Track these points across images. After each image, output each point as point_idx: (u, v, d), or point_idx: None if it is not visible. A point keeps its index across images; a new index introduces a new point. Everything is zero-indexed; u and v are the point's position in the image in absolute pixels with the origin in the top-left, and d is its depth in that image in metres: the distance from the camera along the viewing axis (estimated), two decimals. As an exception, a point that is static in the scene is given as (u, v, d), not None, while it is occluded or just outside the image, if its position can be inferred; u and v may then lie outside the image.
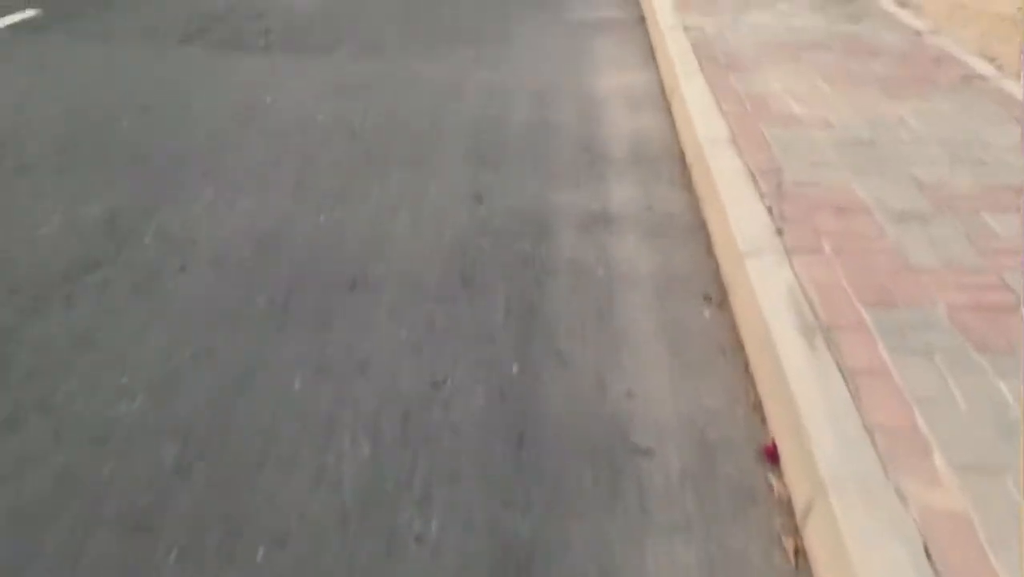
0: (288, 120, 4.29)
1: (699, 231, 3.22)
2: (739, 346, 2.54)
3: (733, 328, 2.64)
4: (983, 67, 4.62)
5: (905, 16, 5.77)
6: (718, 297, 2.80)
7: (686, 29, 5.32)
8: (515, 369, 2.43)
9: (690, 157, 3.77)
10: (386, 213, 3.33)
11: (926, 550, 1.65)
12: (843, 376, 2.17)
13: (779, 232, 2.86)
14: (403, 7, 6.55)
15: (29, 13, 5.99)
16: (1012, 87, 4.25)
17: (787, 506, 1.96)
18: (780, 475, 2.05)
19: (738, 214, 3.01)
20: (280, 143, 4.00)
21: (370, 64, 5.21)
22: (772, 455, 2.12)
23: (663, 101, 4.64)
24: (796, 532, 1.88)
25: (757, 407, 2.29)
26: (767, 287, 2.56)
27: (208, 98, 4.57)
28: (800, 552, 1.84)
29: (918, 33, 5.28)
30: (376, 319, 2.65)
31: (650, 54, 5.47)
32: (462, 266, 2.96)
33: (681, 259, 3.03)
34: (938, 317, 2.41)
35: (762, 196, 3.11)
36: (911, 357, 2.23)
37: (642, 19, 6.23)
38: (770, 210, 3.01)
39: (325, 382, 2.35)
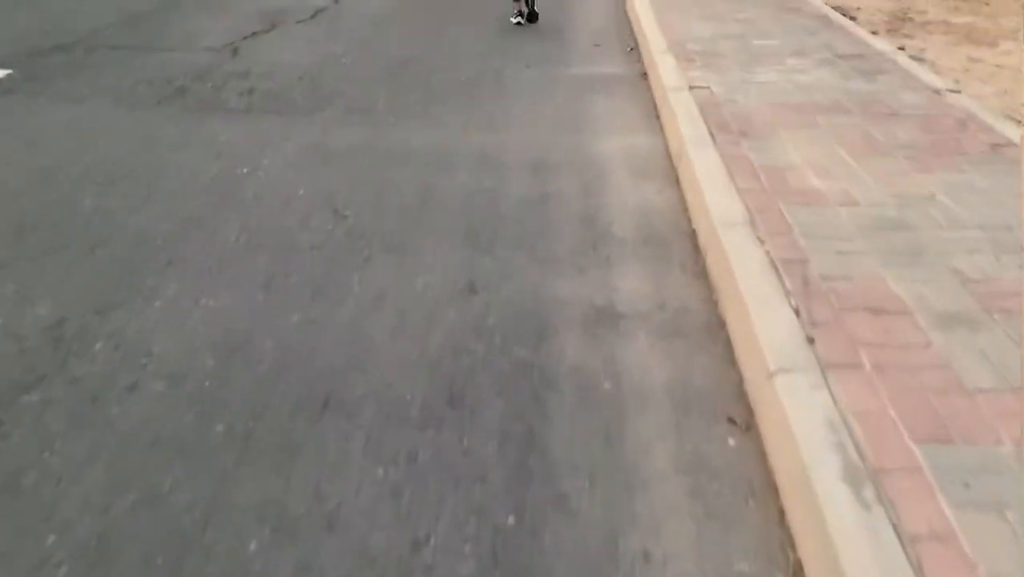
0: (266, 195, 3.97)
1: (718, 332, 2.87)
2: (771, 486, 2.19)
3: (762, 460, 2.29)
4: (1011, 131, 4.31)
5: (921, 71, 5.49)
6: (744, 419, 2.45)
7: (692, 88, 5.03)
8: (510, 520, 2.08)
9: (703, 239, 3.44)
10: (367, 311, 3.00)
11: None
12: (901, 542, 1.81)
13: (810, 341, 2.53)
14: (395, 65, 6.27)
15: (-1, 74, 5.72)
16: (1047, 155, 3.94)
17: None
18: (832, 675, 1.70)
19: (762, 316, 2.67)
20: (255, 223, 3.67)
21: (358, 128, 4.90)
22: (820, 643, 1.76)
23: (669, 168, 4.32)
24: None
25: (798, 573, 1.94)
26: (801, 415, 2.22)
27: (181, 168, 4.26)
28: None
29: (938, 92, 4.98)
30: (350, 452, 2.30)
31: (654, 114, 5.18)
32: (451, 379, 2.62)
33: (699, 368, 2.68)
34: (1004, 457, 2.06)
35: (788, 294, 2.78)
36: (979, 515, 1.88)
37: (644, 75, 5.95)
38: (797, 312, 2.68)
39: (286, 542, 2.00)
